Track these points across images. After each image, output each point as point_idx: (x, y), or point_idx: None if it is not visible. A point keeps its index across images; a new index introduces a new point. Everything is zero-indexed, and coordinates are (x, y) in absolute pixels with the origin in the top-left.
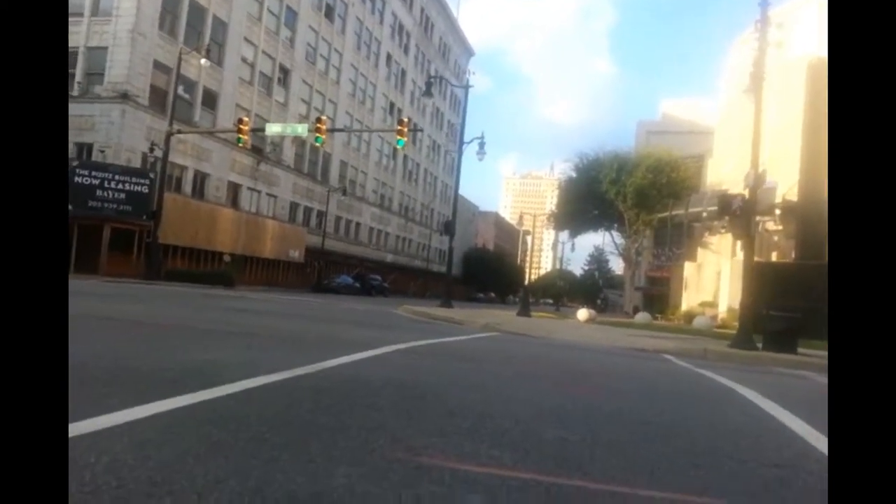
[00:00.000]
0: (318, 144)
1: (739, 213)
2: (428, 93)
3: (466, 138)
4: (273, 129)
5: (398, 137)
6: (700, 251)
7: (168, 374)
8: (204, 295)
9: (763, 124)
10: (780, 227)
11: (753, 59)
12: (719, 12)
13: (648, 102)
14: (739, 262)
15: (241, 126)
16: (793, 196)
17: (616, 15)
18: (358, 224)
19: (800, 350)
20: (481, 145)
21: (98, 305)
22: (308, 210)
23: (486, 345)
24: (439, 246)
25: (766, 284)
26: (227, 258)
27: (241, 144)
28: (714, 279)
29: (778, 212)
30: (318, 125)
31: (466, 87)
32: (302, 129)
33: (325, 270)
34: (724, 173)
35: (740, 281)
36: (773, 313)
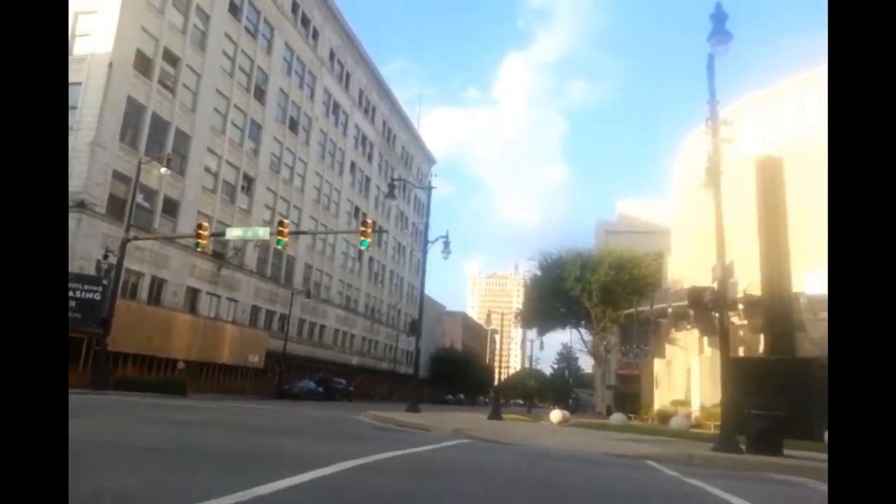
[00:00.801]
0: (280, 247)
1: (711, 306)
2: (391, 194)
3: (431, 239)
4: (234, 233)
5: (362, 238)
6: (668, 347)
7: None
8: (149, 405)
9: (720, 218)
10: (745, 322)
11: (708, 155)
12: (665, 119)
13: (604, 203)
14: (708, 358)
15: (200, 231)
16: (753, 290)
17: (566, 125)
18: (322, 326)
19: (785, 451)
20: (446, 244)
21: None
22: (270, 313)
23: (456, 455)
24: (407, 347)
25: (743, 381)
26: (180, 365)
27: (199, 249)
28: (684, 376)
29: (741, 306)
30: (280, 228)
31: (429, 189)
32: (263, 233)
33: (287, 375)
34: (683, 270)
35: (711, 378)
36: (754, 412)
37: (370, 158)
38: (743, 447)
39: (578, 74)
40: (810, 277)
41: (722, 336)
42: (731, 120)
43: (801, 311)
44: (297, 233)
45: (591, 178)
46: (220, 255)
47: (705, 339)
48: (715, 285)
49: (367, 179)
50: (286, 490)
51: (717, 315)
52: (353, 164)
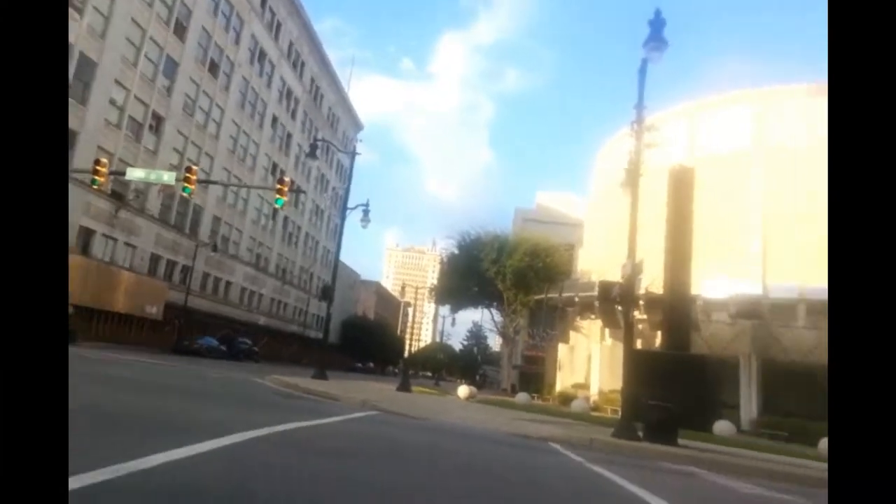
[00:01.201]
0: (185, 195)
1: (617, 300)
2: (312, 154)
3: (351, 206)
4: (135, 173)
5: (277, 196)
6: (572, 334)
7: None
8: None
9: (634, 218)
10: (645, 317)
11: (629, 157)
12: (590, 117)
13: (524, 191)
14: (608, 347)
15: (98, 167)
16: (654, 288)
17: (496, 110)
18: (229, 283)
19: (680, 441)
20: (365, 212)
21: None
22: (172, 264)
23: (364, 429)
24: (317, 312)
25: (644, 373)
26: (70, 310)
27: (96, 186)
28: (585, 361)
29: (642, 302)
30: (188, 175)
31: (353, 154)
32: (168, 177)
33: (187, 330)
34: (592, 262)
35: (609, 365)
36: (652, 402)
37: (294, 115)
38: (640, 434)
39: (514, 61)
40: (707, 282)
41: (627, 329)
42: (656, 126)
43: (697, 311)
44: (206, 181)
45: (513, 165)
46: (120, 195)
47: (607, 329)
48: (623, 281)
49: (289, 136)
50: (174, 463)
51: (621, 309)
52: (274, 119)
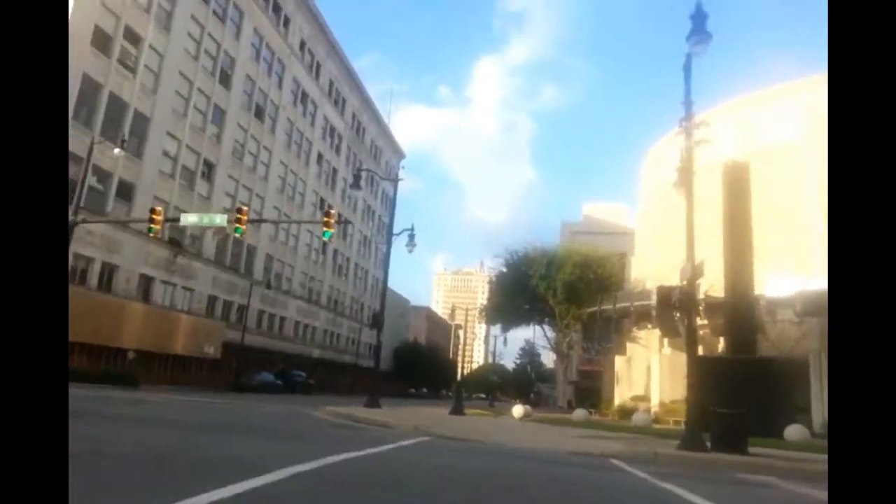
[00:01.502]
0: (237, 235)
1: (678, 306)
2: (356, 185)
3: (396, 232)
4: (189, 218)
5: (325, 229)
6: (629, 345)
7: None
8: (89, 397)
9: (691, 219)
10: (706, 322)
11: (681, 155)
12: (632, 124)
13: (570, 205)
14: (668, 356)
15: (154, 216)
16: (713, 292)
17: (535, 127)
18: (283, 318)
19: (750, 449)
20: (411, 237)
21: None
22: (228, 304)
23: (416, 457)
24: (369, 340)
25: (709, 380)
26: (131, 355)
27: (153, 234)
28: (644, 373)
29: (702, 307)
30: (239, 216)
31: (396, 181)
32: (220, 219)
33: (244, 367)
34: (646, 270)
35: (670, 375)
36: (719, 410)
37: (338, 150)
38: (707, 445)
39: (550, 78)
40: (770, 280)
41: (689, 336)
42: (707, 122)
43: (761, 311)
44: (255, 220)
45: (558, 180)
46: (177, 242)
47: (665, 338)
48: (683, 285)
49: (335, 171)
50: (223, 500)
51: (678, 315)
52: (319, 156)
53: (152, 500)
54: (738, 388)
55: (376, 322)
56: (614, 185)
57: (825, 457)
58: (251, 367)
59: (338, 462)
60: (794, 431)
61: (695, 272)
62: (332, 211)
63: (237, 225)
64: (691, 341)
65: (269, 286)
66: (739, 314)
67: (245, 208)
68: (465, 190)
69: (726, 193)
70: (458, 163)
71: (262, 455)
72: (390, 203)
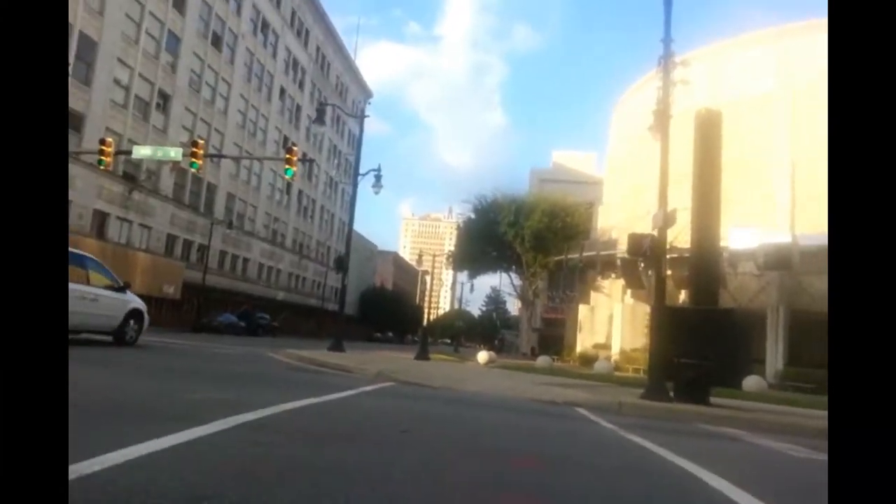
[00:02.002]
0: (193, 170)
1: (649, 253)
2: (320, 119)
3: (363, 172)
4: (142, 151)
5: (287, 167)
6: (593, 294)
7: None
8: None
9: (666, 163)
10: (670, 273)
11: (658, 97)
12: (603, 73)
13: (540, 152)
14: (630, 305)
15: (104, 147)
16: (677, 244)
17: (506, 70)
18: (246, 260)
19: (711, 400)
20: (377, 178)
21: None
22: (188, 243)
23: (376, 404)
24: (335, 284)
25: (674, 330)
26: None
27: (103, 167)
28: (606, 322)
29: (668, 258)
30: (195, 150)
31: (362, 117)
32: (176, 153)
33: (206, 308)
34: (613, 220)
35: (631, 324)
36: (684, 361)
37: (301, 85)
38: (671, 395)
39: (523, 18)
40: (732, 232)
41: (658, 283)
42: (687, 61)
43: (723, 263)
44: (212, 155)
45: (527, 127)
46: (132, 177)
47: (628, 288)
48: (655, 232)
49: (298, 108)
50: (133, 462)
51: (643, 266)
52: (282, 90)
53: (74, 453)
54: (703, 339)
55: (340, 265)
56: (585, 133)
57: (785, 408)
58: (213, 308)
59: (292, 409)
60: (752, 382)
61: (667, 219)
62: (295, 148)
63: (193, 159)
64: (659, 290)
65: (230, 226)
66: (704, 264)
67: (201, 141)
68: (434, 133)
69: (698, 142)
70: (428, 104)
71: (210, 402)
72: (357, 142)
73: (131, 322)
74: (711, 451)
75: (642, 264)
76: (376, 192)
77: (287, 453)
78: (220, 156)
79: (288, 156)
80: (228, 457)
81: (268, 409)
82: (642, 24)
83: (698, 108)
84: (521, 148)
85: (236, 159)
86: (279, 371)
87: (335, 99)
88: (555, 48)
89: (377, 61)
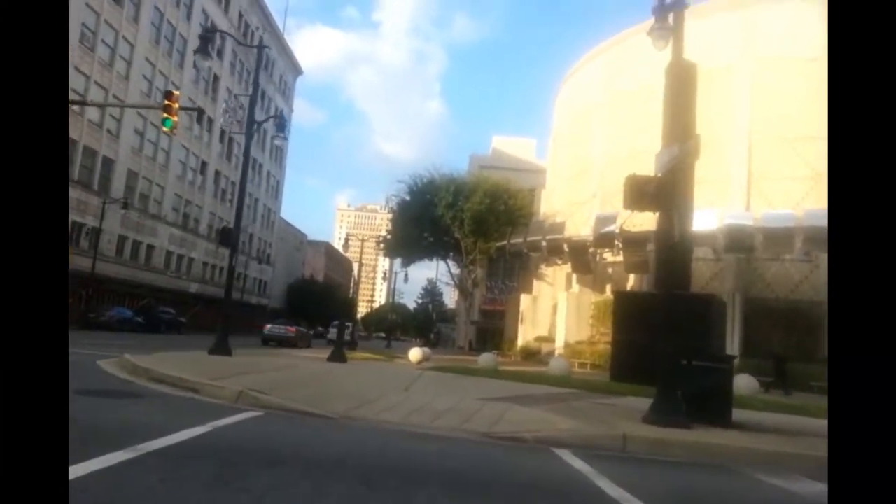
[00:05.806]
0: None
1: (654, 202)
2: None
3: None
4: None
5: (165, 116)
6: (536, 283)
7: None
8: None
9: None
10: (621, 258)
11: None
12: (546, 60)
13: (480, 143)
14: (576, 294)
15: None
16: (629, 227)
17: (446, 60)
18: (151, 247)
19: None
20: (280, 126)
21: None
22: (78, 226)
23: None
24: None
25: (686, 323)
26: None
27: None
28: (550, 313)
29: (619, 243)
30: (168, 102)
31: (260, 48)
32: None
33: (99, 301)
34: (557, 205)
35: (576, 314)
36: (696, 364)
37: (221, 54)
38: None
39: (464, 6)
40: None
41: (662, 265)
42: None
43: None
44: (77, 102)
45: (468, 117)
46: None
47: (574, 275)
48: (667, 172)
49: (216, 78)
50: None
51: (592, 250)
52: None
53: None
54: (709, 333)
55: (226, 238)
56: (526, 123)
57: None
58: (107, 301)
59: None
60: (743, 382)
61: (691, 151)
62: (176, 93)
63: (167, 116)
64: (667, 270)
65: (125, 205)
66: (678, 244)
67: (176, 93)
68: (371, 123)
69: (669, 100)
70: (365, 92)
71: None
72: (253, 81)
73: None
74: None
75: (592, 248)
76: (279, 143)
77: None
78: (83, 103)
79: (167, 102)
80: None
81: None
82: (583, 10)
83: (669, 63)
84: (462, 138)
85: (102, 106)
86: (75, 396)
87: (260, 72)
88: (496, 37)
89: (311, 45)
